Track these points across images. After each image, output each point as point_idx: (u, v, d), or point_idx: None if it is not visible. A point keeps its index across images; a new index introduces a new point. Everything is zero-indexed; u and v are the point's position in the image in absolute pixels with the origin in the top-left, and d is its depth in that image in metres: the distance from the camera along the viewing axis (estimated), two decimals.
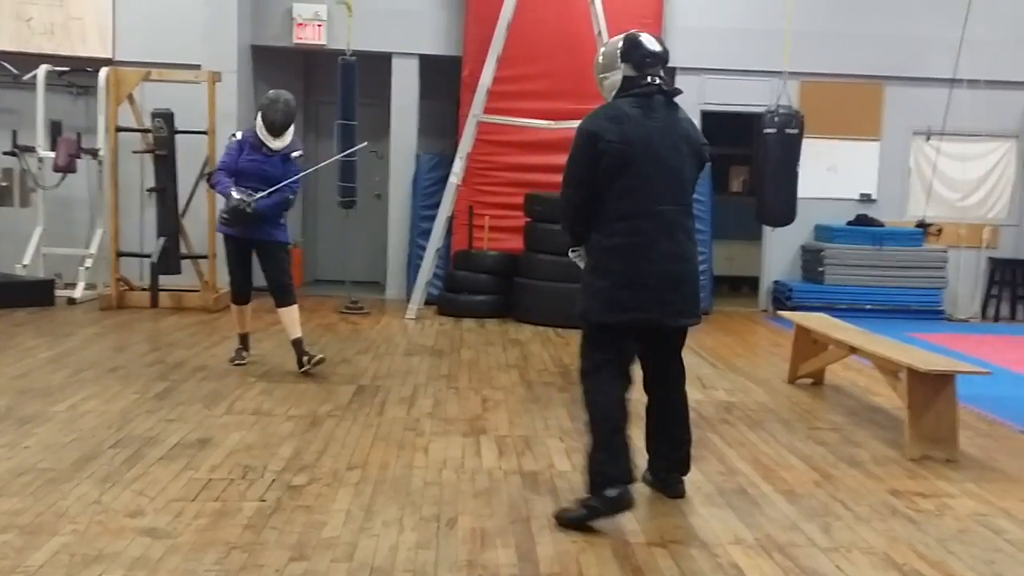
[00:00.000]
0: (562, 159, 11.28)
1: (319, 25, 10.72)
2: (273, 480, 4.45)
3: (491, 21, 9.77)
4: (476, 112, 9.79)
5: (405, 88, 11.02)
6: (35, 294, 9.38)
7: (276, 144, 6.64)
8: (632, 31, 4.21)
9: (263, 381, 6.53)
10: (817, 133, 10.50)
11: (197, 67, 9.88)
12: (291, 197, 6.75)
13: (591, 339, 4.20)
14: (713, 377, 7.36)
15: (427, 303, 10.03)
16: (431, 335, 8.84)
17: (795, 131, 9.63)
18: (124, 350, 7.53)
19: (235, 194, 6.49)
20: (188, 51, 10.08)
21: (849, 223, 11.25)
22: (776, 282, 11.34)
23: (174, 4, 10.31)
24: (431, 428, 5.53)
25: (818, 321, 7.10)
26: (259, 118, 6.66)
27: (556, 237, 9.59)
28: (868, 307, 10.76)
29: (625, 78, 4.10)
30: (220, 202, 6.79)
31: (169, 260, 9.49)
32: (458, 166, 9.81)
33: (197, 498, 4.17)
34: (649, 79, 4.09)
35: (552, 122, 9.83)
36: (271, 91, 6.78)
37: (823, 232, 11.19)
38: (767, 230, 11.08)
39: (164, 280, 9.44)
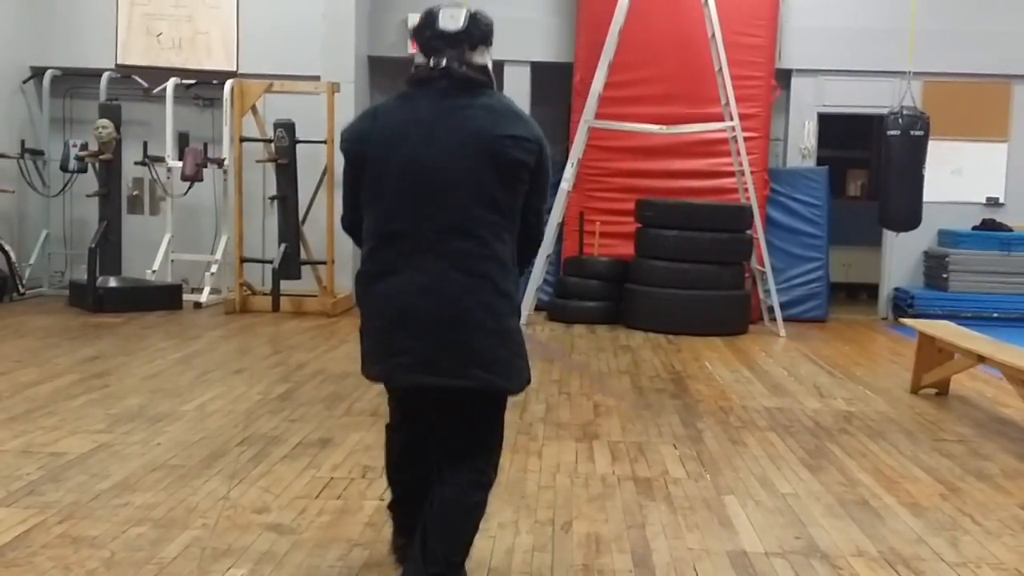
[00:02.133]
0: (675, 164, 11.29)
1: None
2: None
3: (603, 27, 9.77)
4: (587, 118, 9.80)
5: (517, 95, 11.04)
6: (164, 298, 9.79)
7: None
8: (437, 6, 3.11)
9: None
10: (941, 135, 10.16)
11: (316, 78, 10.17)
12: None
13: None
14: (831, 386, 7.19)
15: (537, 309, 10.08)
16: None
17: (920, 133, 9.36)
18: (248, 352, 7.80)
19: None
20: (308, 63, 10.38)
21: (975, 228, 10.84)
22: (897, 289, 11.00)
23: (295, 18, 10.63)
24: (544, 433, 5.55)
25: (943, 329, 6.87)
26: None
27: (668, 243, 9.63)
28: (995, 315, 10.34)
29: (415, 66, 3.11)
30: None
31: (290, 266, 9.79)
32: (569, 172, 9.83)
33: (320, 496, 4.30)
34: (432, 63, 3.02)
35: (664, 127, 9.77)
36: None
37: (948, 237, 10.81)
38: (887, 235, 10.76)
39: (285, 285, 9.73)
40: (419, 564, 3.04)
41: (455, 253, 2.91)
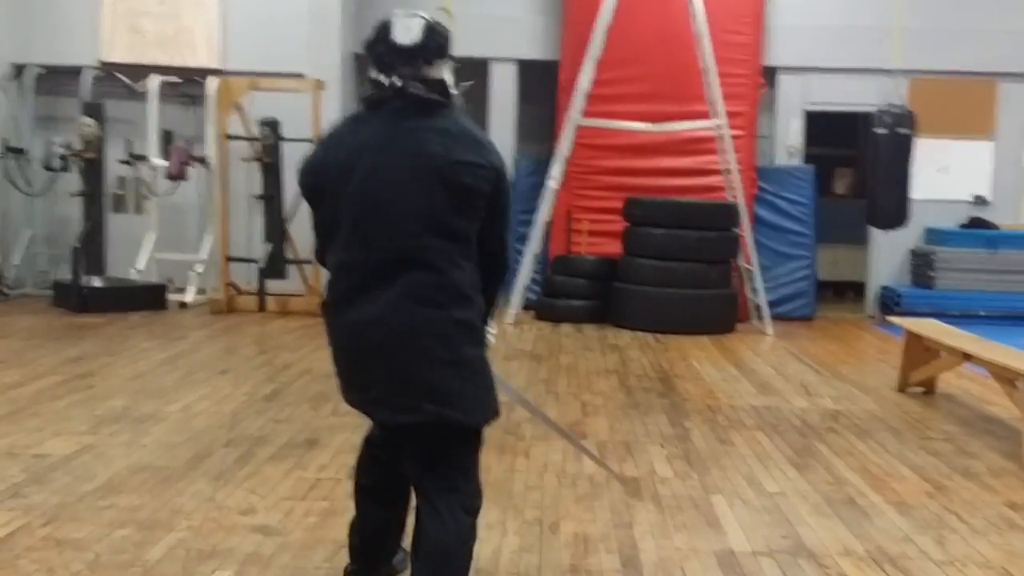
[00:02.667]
0: (662, 162, 11.29)
1: None
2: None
3: (588, 24, 9.77)
4: (574, 116, 9.79)
5: (503, 93, 11.08)
6: (148, 298, 9.73)
7: None
8: (391, 15, 2.94)
9: None
10: (928, 133, 10.15)
11: (301, 76, 10.12)
12: None
13: None
14: (818, 384, 7.20)
15: (525, 308, 10.06)
16: (529, 340, 8.86)
17: (907, 131, 9.38)
18: (233, 352, 7.76)
19: None
20: (293, 60, 10.33)
21: (962, 226, 10.88)
22: (884, 287, 11.02)
23: (279, 15, 10.58)
24: (531, 432, 5.53)
25: (930, 327, 6.88)
26: None
27: (655, 241, 9.63)
28: (982, 313, 10.36)
29: (369, 81, 2.93)
30: None
31: (276, 265, 9.74)
32: (556, 170, 9.82)
33: (306, 497, 4.27)
34: (387, 81, 2.86)
35: (651, 124, 9.77)
36: None
37: (934, 235, 10.84)
38: (874, 234, 10.79)
39: (271, 285, 9.69)
40: None
41: (408, 283, 2.77)
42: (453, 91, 2.94)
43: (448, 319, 2.78)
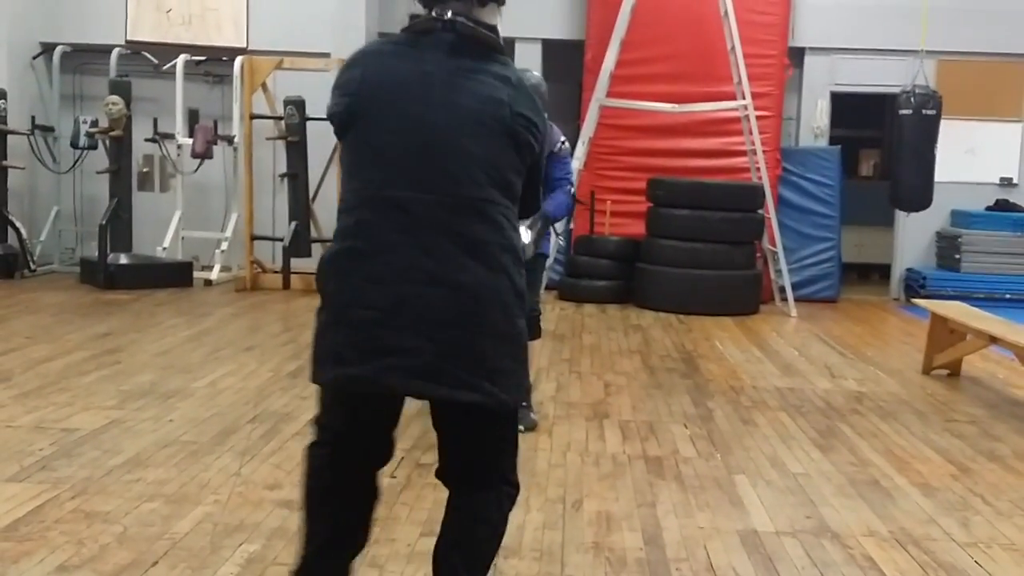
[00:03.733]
0: (687, 143, 11.23)
1: None
2: (402, 458, 4.55)
3: (614, 4, 9.71)
4: (599, 96, 9.76)
5: None
6: (174, 275, 9.81)
7: None
8: None
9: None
10: (955, 114, 10.06)
11: (327, 55, 10.13)
12: (572, 196, 5.27)
13: (318, 398, 2.70)
14: (842, 366, 7.17)
15: (548, 288, 10.05)
16: (552, 320, 8.86)
17: (933, 112, 9.29)
18: (258, 330, 7.82)
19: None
20: (318, 39, 10.33)
21: (988, 208, 10.77)
22: (909, 270, 10.95)
23: None
24: (554, 411, 5.56)
25: (956, 310, 6.84)
26: None
27: (679, 222, 9.60)
28: (1008, 296, 10.29)
29: (410, 16, 2.63)
30: None
31: (300, 243, 9.78)
32: (580, 151, 9.79)
33: None
34: (436, 12, 2.54)
35: (676, 105, 9.71)
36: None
37: (960, 218, 10.74)
38: (899, 216, 10.70)
39: (295, 263, 9.73)
40: None
41: (470, 238, 2.40)
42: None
43: (510, 286, 2.48)
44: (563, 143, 5.22)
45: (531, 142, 2.54)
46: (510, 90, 2.52)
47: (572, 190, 5.24)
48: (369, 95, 2.49)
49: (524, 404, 5.10)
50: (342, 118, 2.52)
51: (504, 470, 2.64)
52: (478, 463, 2.61)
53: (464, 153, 2.44)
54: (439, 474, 2.72)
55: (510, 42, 10.93)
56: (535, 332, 5.12)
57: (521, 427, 4.84)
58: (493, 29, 2.61)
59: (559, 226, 9.65)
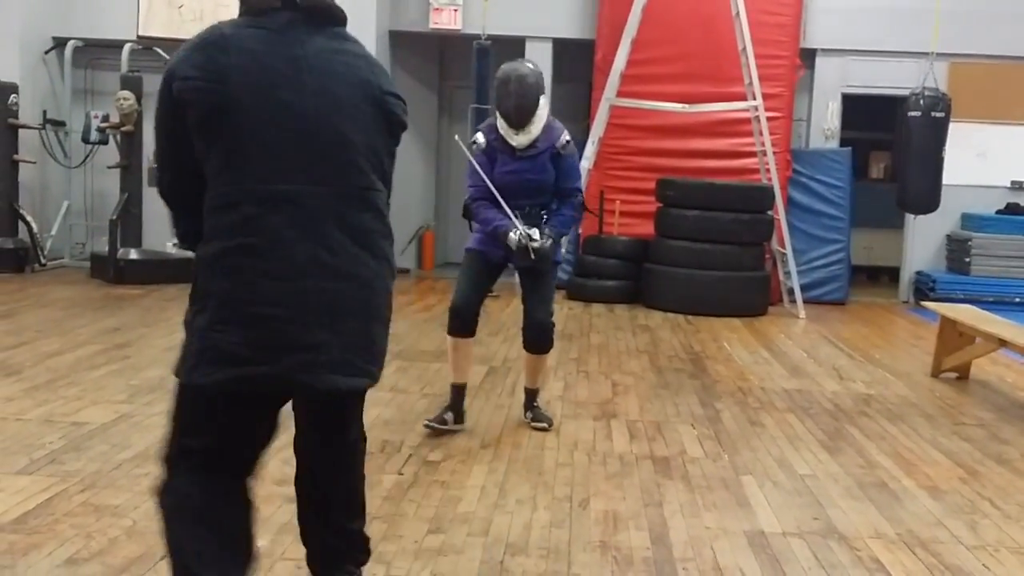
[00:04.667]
0: (696, 143, 11.22)
1: (455, 10, 10.85)
2: (410, 455, 4.57)
3: (625, 4, 9.71)
4: (609, 96, 9.75)
5: None
6: (184, 271, 9.68)
7: (520, 139, 4.83)
8: None
9: (398, 359, 6.69)
10: (966, 117, 10.04)
11: None
12: (581, 205, 5.12)
13: (179, 408, 2.51)
14: (851, 368, 7.16)
15: (556, 288, 10.04)
16: (560, 319, 8.79)
17: (941, 114, 9.28)
18: None
19: (512, 235, 4.76)
20: None
21: (999, 212, 10.74)
22: (918, 272, 10.92)
23: None
24: (562, 410, 5.56)
25: (965, 313, 6.83)
26: (496, 109, 4.94)
27: (688, 223, 9.59)
28: (1017, 300, 10.25)
29: None
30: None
31: None
32: (590, 150, 9.79)
33: None
34: None
35: (686, 105, 9.70)
36: (503, 67, 4.92)
37: (971, 221, 10.71)
38: (909, 219, 10.68)
39: None
40: (316, 537, 2.82)
41: (360, 228, 2.40)
42: None
43: (390, 271, 2.54)
44: (568, 141, 4.97)
45: (403, 121, 2.54)
46: (374, 68, 2.50)
47: (581, 198, 5.11)
48: (241, 83, 2.34)
49: (535, 404, 5.13)
50: (209, 107, 2.34)
51: (359, 444, 2.83)
52: (345, 438, 2.74)
53: (346, 141, 2.41)
54: (297, 447, 2.81)
55: (520, 41, 10.95)
56: (548, 343, 5.07)
57: (543, 424, 5.10)
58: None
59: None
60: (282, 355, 2.35)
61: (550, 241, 4.83)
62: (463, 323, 4.97)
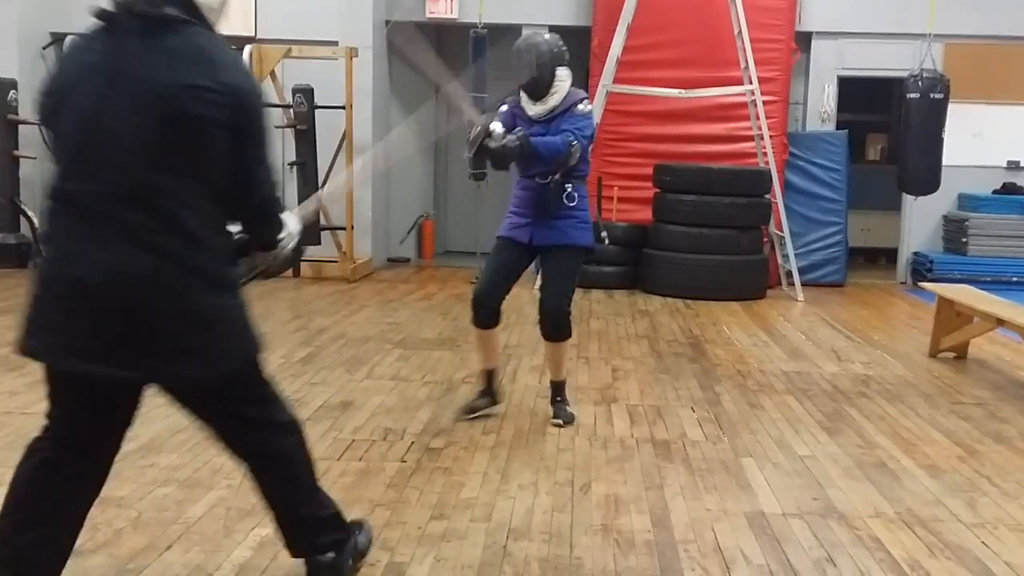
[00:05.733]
0: (693, 128, 11.19)
1: None
2: (412, 442, 4.60)
3: None
4: (605, 82, 9.75)
5: None
6: None
7: (537, 109, 4.81)
8: None
9: (400, 348, 6.73)
10: (962, 97, 10.04)
11: (335, 44, 10.15)
12: (570, 144, 4.68)
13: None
14: (849, 350, 7.20)
15: None
16: None
17: (940, 96, 9.29)
18: (269, 317, 7.85)
19: (474, 131, 4.58)
20: (326, 28, 10.35)
21: (995, 192, 10.75)
22: (916, 253, 10.95)
23: None
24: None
25: (962, 293, 6.85)
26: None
27: (686, 207, 9.61)
28: (1014, 279, 10.29)
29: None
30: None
31: (309, 231, 9.81)
32: None
33: (342, 457, 4.36)
34: None
35: (682, 91, 9.70)
36: (518, 40, 4.91)
37: (967, 201, 10.73)
38: (906, 200, 10.69)
39: (305, 251, 9.77)
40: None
41: (132, 226, 2.49)
42: (211, 2, 2.66)
43: (178, 267, 2.53)
44: (583, 101, 4.83)
45: (202, 113, 2.50)
46: (175, 62, 2.51)
47: (573, 142, 4.67)
48: (57, 92, 2.60)
49: (559, 399, 5.13)
50: (42, 117, 2.68)
51: (252, 413, 2.83)
52: (233, 442, 2.88)
53: (125, 141, 2.49)
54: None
55: (517, 29, 10.95)
56: (563, 331, 4.98)
57: (560, 421, 4.96)
58: (184, 2, 2.59)
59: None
60: (45, 334, 2.57)
61: (515, 142, 4.51)
62: (485, 315, 4.91)
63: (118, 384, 2.65)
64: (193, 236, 2.54)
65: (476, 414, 5.00)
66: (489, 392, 5.08)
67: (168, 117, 2.48)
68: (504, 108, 4.90)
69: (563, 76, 4.82)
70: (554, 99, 4.78)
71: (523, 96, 4.84)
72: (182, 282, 2.54)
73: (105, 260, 2.49)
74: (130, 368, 2.55)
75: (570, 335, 5.02)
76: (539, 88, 4.76)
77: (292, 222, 2.92)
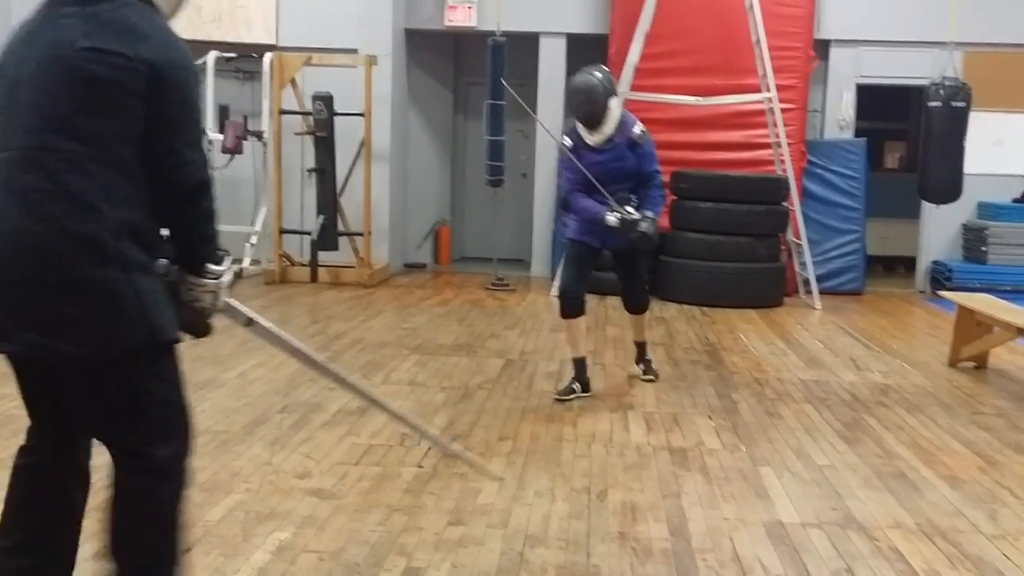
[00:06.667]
0: (711, 136, 11.15)
1: (469, 7, 10.87)
2: (429, 448, 4.61)
3: None
4: (623, 90, 9.72)
5: (552, 67, 11.06)
6: None
7: (595, 138, 5.59)
8: None
9: (416, 354, 6.75)
10: (982, 106, 9.96)
11: (354, 51, 10.19)
12: (662, 184, 5.80)
13: None
14: (868, 358, 7.16)
15: None
16: None
17: (962, 104, 9.24)
18: (287, 322, 7.89)
19: (610, 217, 5.44)
20: (346, 36, 10.40)
21: (1015, 200, 10.68)
22: (935, 262, 10.89)
23: None
24: (579, 402, 5.60)
25: (982, 302, 6.81)
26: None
27: (703, 215, 9.60)
28: None
29: None
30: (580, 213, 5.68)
31: (328, 237, 9.86)
32: None
33: (360, 462, 4.38)
34: None
35: (700, 98, 9.70)
36: (573, 78, 5.76)
37: (987, 210, 10.66)
38: (925, 208, 10.64)
39: (323, 256, 9.82)
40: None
41: (21, 188, 2.38)
42: None
43: (60, 234, 2.35)
44: (642, 131, 5.66)
45: (106, 76, 2.37)
46: (89, 26, 2.41)
47: (661, 179, 5.76)
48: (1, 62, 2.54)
49: (647, 358, 6.16)
50: None
51: (136, 445, 2.52)
52: (107, 440, 2.57)
53: (26, 104, 2.41)
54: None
55: (534, 37, 10.97)
56: (646, 305, 6.09)
57: (651, 376, 6.00)
58: None
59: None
60: None
61: (650, 220, 5.48)
62: (572, 306, 5.68)
63: (22, 360, 2.49)
64: (86, 203, 2.36)
65: (570, 397, 5.59)
66: (582, 379, 5.70)
67: (71, 78, 2.38)
68: (568, 143, 5.63)
69: (614, 106, 5.62)
70: (609, 127, 5.57)
71: (579, 126, 5.62)
72: (65, 249, 2.35)
73: (2, 228, 2.39)
74: (9, 340, 2.41)
75: (648, 307, 6.11)
76: (595, 119, 5.55)
77: (225, 268, 2.65)
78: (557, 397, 5.59)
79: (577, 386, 5.67)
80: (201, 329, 2.69)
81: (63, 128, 2.38)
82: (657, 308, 9.20)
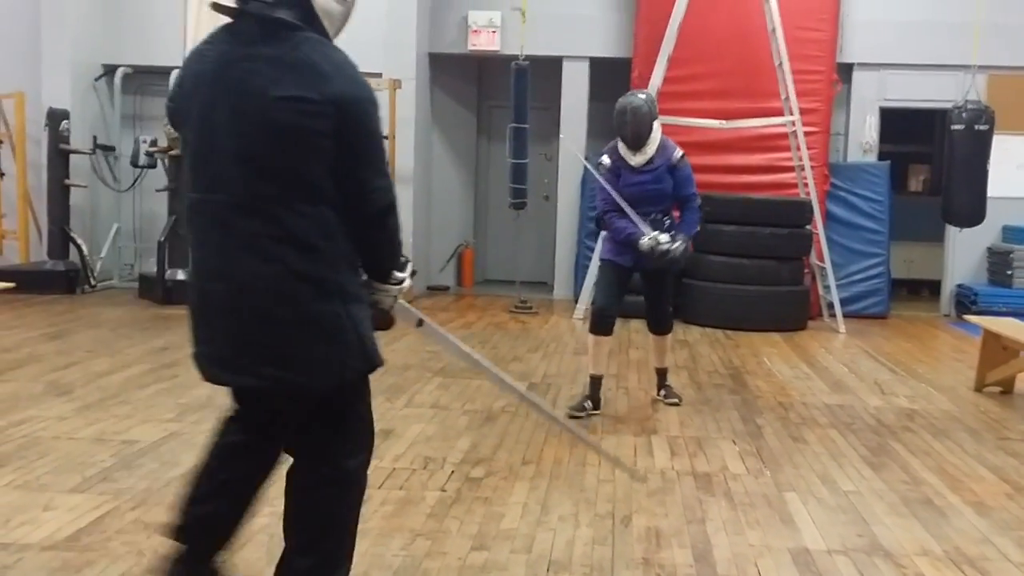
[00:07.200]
0: (734, 159, 11.17)
1: (493, 32, 10.96)
2: (452, 472, 4.62)
3: (661, 22, 9.74)
4: None
5: (575, 91, 11.12)
6: None
7: (637, 159, 5.77)
8: None
9: (440, 376, 6.76)
10: (1006, 129, 9.93)
11: (379, 76, 10.28)
12: (699, 207, 5.96)
13: None
14: (893, 383, 7.11)
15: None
16: None
17: (985, 127, 9.21)
18: None
19: (645, 240, 5.60)
20: (370, 60, 10.39)
21: None
22: (960, 286, 10.81)
23: (358, 16, 10.34)
24: (602, 426, 5.59)
25: (1009, 326, 6.76)
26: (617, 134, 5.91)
27: (726, 238, 9.58)
28: None
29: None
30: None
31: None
32: None
33: (383, 486, 4.38)
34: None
35: (723, 122, 9.71)
36: (620, 100, 5.86)
37: (1013, 233, 10.59)
38: (950, 231, 10.59)
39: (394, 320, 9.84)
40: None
41: (244, 233, 2.53)
42: (331, 8, 2.66)
43: (289, 274, 2.54)
44: (681, 155, 5.84)
45: (297, 123, 2.48)
46: (275, 72, 2.49)
47: (699, 202, 5.94)
48: (182, 96, 2.65)
49: (667, 384, 6.21)
50: (171, 124, 2.77)
51: (334, 454, 2.77)
52: (306, 440, 2.78)
53: (232, 153, 2.53)
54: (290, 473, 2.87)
55: (557, 61, 11.03)
56: (670, 326, 6.18)
57: (675, 400, 6.00)
58: (301, 3, 2.58)
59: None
60: (195, 343, 2.73)
61: (680, 244, 5.62)
62: (604, 323, 5.85)
63: (250, 393, 2.73)
64: (307, 243, 2.54)
65: (582, 414, 5.74)
66: (595, 397, 5.86)
67: (267, 129, 2.49)
68: (607, 162, 5.82)
69: (656, 128, 5.82)
70: (650, 149, 5.77)
71: (621, 147, 5.79)
72: (294, 289, 2.54)
73: (225, 269, 2.57)
74: (250, 375, 2.61)
75: (672, 329, 6.17)
76: (640, 140, 5.74)
77: (407, 275, 2.88)
78: (570, 413, 5.72)
79: (589, 404, 5.82)
80: (386, 325, 2.92)
81: (269, 173, 2.52)
82: (680, 331, 9.19)
